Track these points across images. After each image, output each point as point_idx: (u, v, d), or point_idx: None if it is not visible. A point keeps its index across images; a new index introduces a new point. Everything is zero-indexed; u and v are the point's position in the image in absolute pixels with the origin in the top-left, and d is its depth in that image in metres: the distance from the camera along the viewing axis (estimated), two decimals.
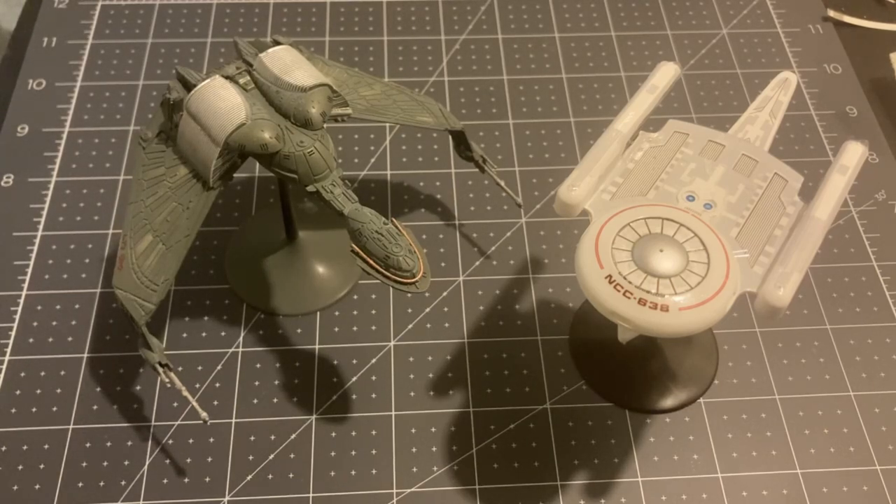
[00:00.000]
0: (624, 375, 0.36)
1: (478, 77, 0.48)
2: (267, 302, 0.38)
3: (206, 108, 0.28)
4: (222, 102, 0.28)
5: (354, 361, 0.37)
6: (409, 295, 0.38)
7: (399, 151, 0.44)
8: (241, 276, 0.39)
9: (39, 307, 0.38)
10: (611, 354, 0.36)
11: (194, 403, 0.31)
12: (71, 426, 0.35)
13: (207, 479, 0.34)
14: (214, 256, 0.40)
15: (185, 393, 0.31)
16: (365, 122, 0.46)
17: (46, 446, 0.34)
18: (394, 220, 0.30)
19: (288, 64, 0.30)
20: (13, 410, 0.35)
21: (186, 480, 0.34)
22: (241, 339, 0.37)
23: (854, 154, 0.32)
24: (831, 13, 0.51)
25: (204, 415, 0.31)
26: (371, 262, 0.29)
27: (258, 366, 0.37)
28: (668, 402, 0.36)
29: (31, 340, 0.37)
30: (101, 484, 0.33)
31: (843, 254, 0.41)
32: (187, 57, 0.48)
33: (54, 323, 0.38)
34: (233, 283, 0.39)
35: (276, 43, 0.32)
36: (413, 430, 0.35)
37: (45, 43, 0.48)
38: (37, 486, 0.33)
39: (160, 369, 0.31)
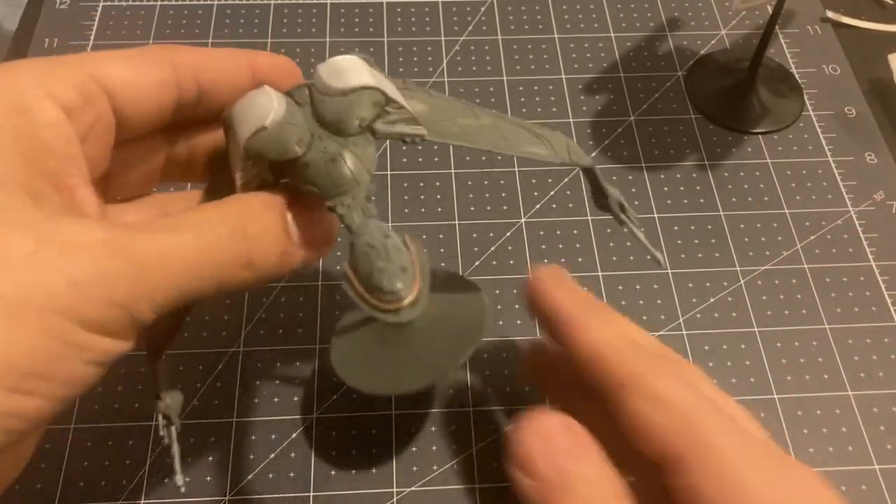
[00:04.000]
0: None
1: (478, 77, 0.48)
2: (381, 384, 0.29)
3: (239, 118, 0.26)
4: (254, 110, 0.25)
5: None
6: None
7: (399, 151, 0.44)
8: (352, 363, 0.29)
9: None
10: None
11: (177, 467, 0.28)
12: (72, 426, 0.35)
13: (208, 479, 0.34)
14: None
15: (176, 454, 0.28)
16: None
17: (48, 446, 0.34)
18: (409, 236, 0.26)
19: (342, 70, 0.26)
20: None
21: (187, 479, 0.34)
22: (241, 338, 0.38)
23: None
24: (830, 14, 0.51)
25: (180, 483, 0.28)
26: (355, 283, 0.24)
27: (259, 365, 0.37)
28: None
29: None
30: (103, 483, 0.34)
31: (842, 254, 0.41)
32: None
33: None
34: (345, 374, 0.29)
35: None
36: (413, 430, 0.35)
37: (46, 44, 0.48)
38: (38, 486, 0.33)
39: (160, 419, 0.28)
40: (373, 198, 0.25)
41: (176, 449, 0.28)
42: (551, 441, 0.23)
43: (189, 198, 0.29)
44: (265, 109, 0.25)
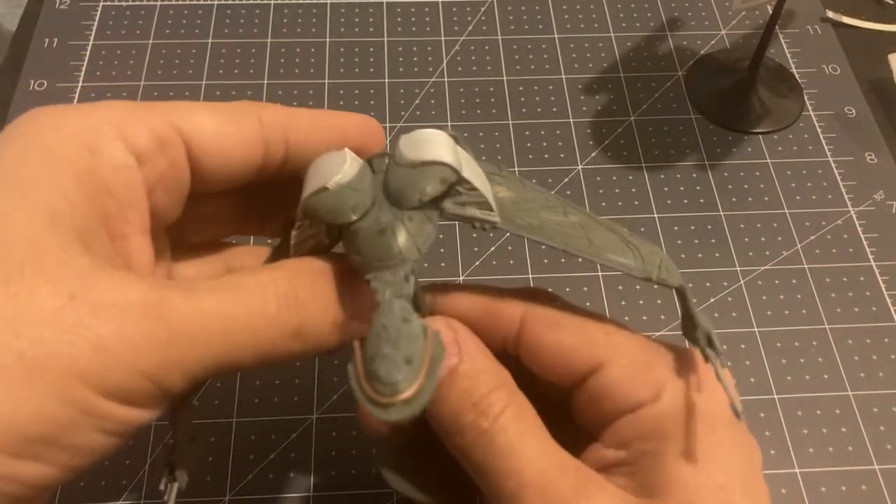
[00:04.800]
0: None
1: (478, 78, 0.48)
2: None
3: (310, 176, 0.24)
4: (324, 170, 0.24)
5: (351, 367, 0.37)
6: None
7: None
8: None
9: None
10: None
11: None
12: None
13: (208, 479, 0.34)
14: None
15: None
16: None
17: None
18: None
19: (423, 142, 0.24)
20: None
21: (187, 479, 0.34)
22: None
23: None
24: (830, 14, 0.51)
25: None
26: (358, 364, 0.22)
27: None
28: None
29: None
30: (103, 483, 0.34)
31: (842, 254, 0.41)
32: (188, 58, 0.48)
33: None
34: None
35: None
36: None
37: (46, 44, 0.48)
38: None
39: (166, 472, 0.26)
40: (412, 276, 0.23)
41: None
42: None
43: (261, 253, 0.27)
44: (333, 171, 0.24)
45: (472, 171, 0.24)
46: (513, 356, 0.25)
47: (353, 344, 0.22)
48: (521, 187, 0.26)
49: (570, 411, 0.25)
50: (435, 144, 0.24)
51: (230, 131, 0.24)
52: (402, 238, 0.23)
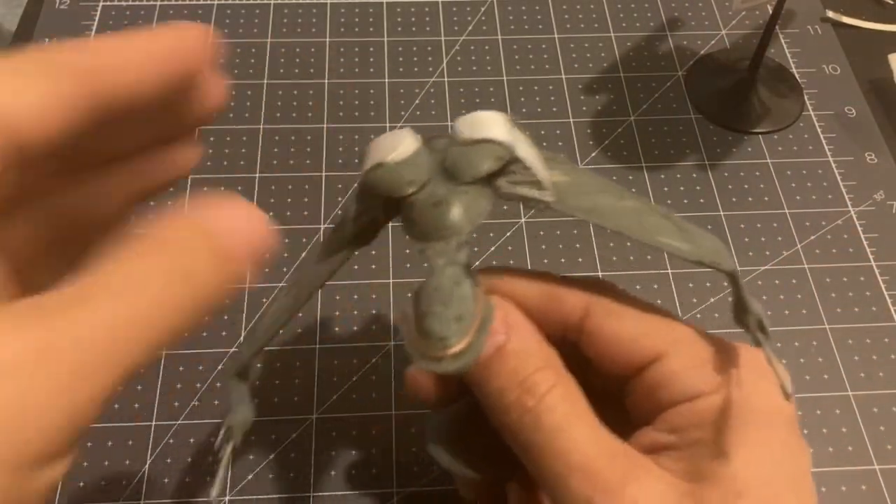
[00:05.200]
0: None
1: (478, 77, 0.48)
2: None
3: (368, 153, 0.25)
4: (383, 147, 0.24)
5: (355, 361, 0.37)
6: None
7: None
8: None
9: None
10: None
11: (217, 483, 0.26)
12: None
13: (209, 479, 0.34)
14: None
15: (222, 470, 0.26)
16: (367, 124, 0.46)
17: None
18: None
19: (480, 122, 0.24)
20: None
21: (187, 480, 0.34)
22: (241, 338, 0.38)
23: None
24: (830, 14, 0.51)
25: (214, 494, 0.26)
26: (410, 322, 0.23)
27: (259, 365, 0.37)
28: None
29: None
30: (103, 483, 0.34)
31: (842, 254, 0.41)
32: None
33: None
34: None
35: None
36: (413, 430, 0.35)
37: (46, 43, 0.48)
38: None
39: (222, 432, 0.26)
40: (465, 247, 0.23)
41: (225, 464, 0.26)
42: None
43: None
44: (392, 147, 0.24)
45: (528, 152, 0.25)
46: (571, 343, 0.25)
47: (404, 311, 0.23)
48: (577, 173, 0.26)
49: (619, 402, 0.25)
50: (491, 124, 0.24)
51: (49, 102, 0.17)
52: (455, 211, 0.24)
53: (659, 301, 0.39)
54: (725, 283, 0.40)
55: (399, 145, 0.24)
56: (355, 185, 0.25)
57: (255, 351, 0.26)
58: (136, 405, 0.36)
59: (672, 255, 0.24)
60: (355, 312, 0.39)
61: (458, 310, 0.23)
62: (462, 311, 0.23)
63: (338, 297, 0.39)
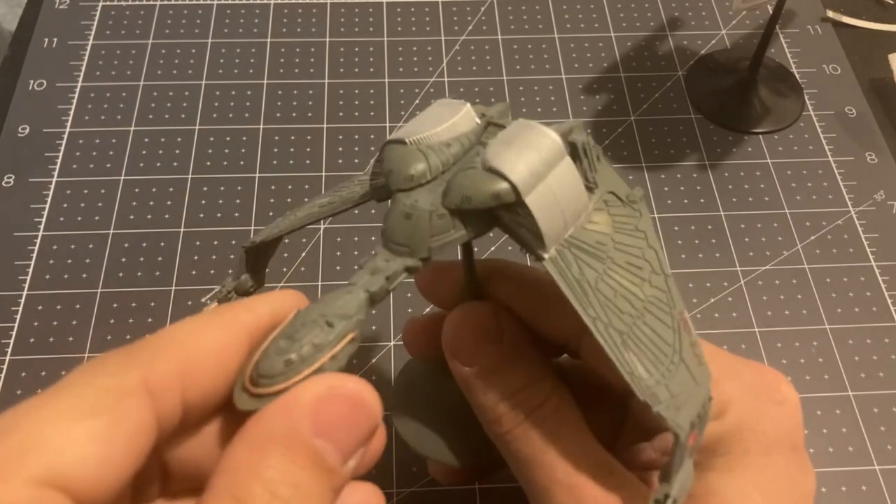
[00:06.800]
0: None
1: (478, 77, 0.48)
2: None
3: (422, 114, 0.23)
4: (432, 116, 0.22)
5: (354, 361, 0.37)
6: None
7: None
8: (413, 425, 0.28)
9: (40, 307, 0.38)
10: None
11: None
12: None
13: None
14: (215, 256, 0.40)
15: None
16: (367, 124, 0.46)
17: None
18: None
19: (524, 140, 0.21)
20: None
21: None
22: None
23: None
24: (830, 14, 0.51)
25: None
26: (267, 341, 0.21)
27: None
28: None
29: (32, 340, 0.37)
30: None
31: (842, 254, 0.41)
32: (188, 58, 0.48)
33: (55, 323, 0.38)
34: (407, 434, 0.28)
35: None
36: None
37: (45, 44, 0.48)
38: None
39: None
40: (401, 275, 0.21)
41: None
42: (479, 326, 0.24)
43: None
44: (422, 128, 0.22)
45: (553, 194, 0.21)
46: (573, 350, 0.25)
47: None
48: (626, 229, 0.23)
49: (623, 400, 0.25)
50: (528, 151, 0.21)
51: (110, 451, 0.16)
52: (422, 226, 0.21)
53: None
54: (726, 283, 0.40)
55: (450, 119, 0.22)
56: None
57: (269, 234, 0.26)
58: None
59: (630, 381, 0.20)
60: None
61: (294, 350, 0.20)
62: (300, 353, 0.20)
63: None
